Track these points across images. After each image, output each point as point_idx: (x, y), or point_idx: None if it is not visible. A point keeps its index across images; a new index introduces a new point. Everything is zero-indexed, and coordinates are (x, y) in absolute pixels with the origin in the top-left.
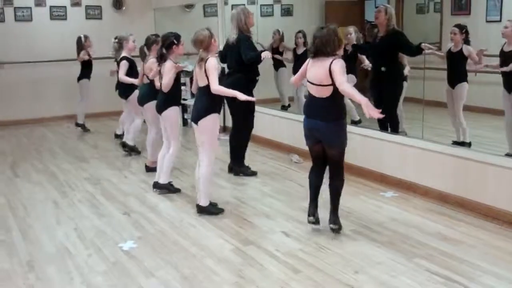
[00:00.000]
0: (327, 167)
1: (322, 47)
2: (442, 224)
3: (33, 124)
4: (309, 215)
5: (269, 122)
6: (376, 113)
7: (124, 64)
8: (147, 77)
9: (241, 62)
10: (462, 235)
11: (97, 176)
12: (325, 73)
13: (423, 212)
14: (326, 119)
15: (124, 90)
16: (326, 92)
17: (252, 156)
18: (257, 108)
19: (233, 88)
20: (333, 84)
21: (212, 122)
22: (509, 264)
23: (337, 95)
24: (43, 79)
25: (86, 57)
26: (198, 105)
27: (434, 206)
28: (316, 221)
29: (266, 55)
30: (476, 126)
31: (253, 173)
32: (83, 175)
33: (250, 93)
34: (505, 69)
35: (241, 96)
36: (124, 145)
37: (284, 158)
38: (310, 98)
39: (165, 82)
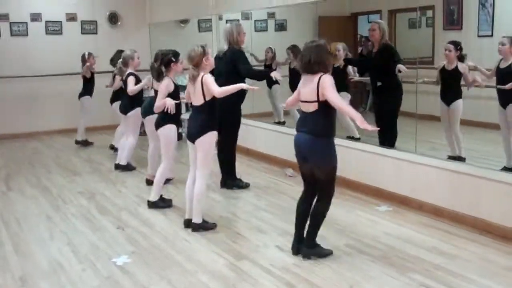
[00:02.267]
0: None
1: (311, 65)
2: (436, 238)
3: (27, 138)
4: (292, 250)
5: (263, 136)
6: (370, 127)
7: (132, 79)
8: (155, 91)
9: (231, 76)
10: (456, 249)
11: (90, 190)
12: (312, 90)
13: (418, 226)
14: (311, 133)
15: (125, 105)
16: (312, 108)
17: (246, 170)
18: (251, 122)
19: (223, 102)
20: (318, 100)
21: (209, 140)
22: (504, 278)
23: (324, 110)
24: (38, 93)
25: (89, 74)
26: (195, 123)
27: (429, 220)
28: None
29: (276, 75)
30: (470, 140)
31: (246, 185)
32: (77, 189)
33: (238, 108)
34: (506, 87)
35: (245, 86)
36: (117, 167)
37: (278, 172)
38: (302, 113)
39: (157, 104)
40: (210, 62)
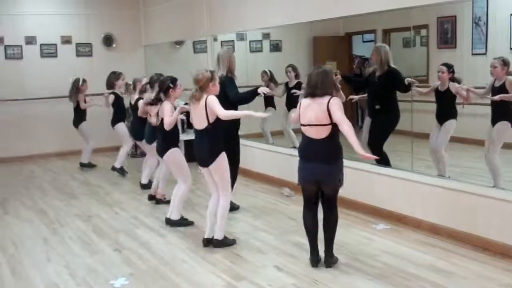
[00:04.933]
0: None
1: (315, 88)
2: (433, 256)
3: (24, 161)
4: (312, 263)
5: (260, 156)
6: (369, 156)
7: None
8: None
9: (223, 104)
10: (454, 266)
11: (87, 213)
12: (323, 112)
13: (415, 244)
14: (328, 162)
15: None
16: (324, 132)
17: (243, 190)
18: (248, 142)
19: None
20: (331, 123)
21: (223, 161)
22: None
23: (335, 135)
24: (33, 116)
25: (90, 104)
26: (202, 148)
27: (426, 238)
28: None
29: (264, 90)
30: (465, 158)
31: (235, 208)
32: (74, 212)
33: (236, 135)
34: (495, 98)
35: (256, 114)
36: (151, 198)
37: (275, 191)
38: (308, 141)
39: (168, 121)
40: (216, 88)
